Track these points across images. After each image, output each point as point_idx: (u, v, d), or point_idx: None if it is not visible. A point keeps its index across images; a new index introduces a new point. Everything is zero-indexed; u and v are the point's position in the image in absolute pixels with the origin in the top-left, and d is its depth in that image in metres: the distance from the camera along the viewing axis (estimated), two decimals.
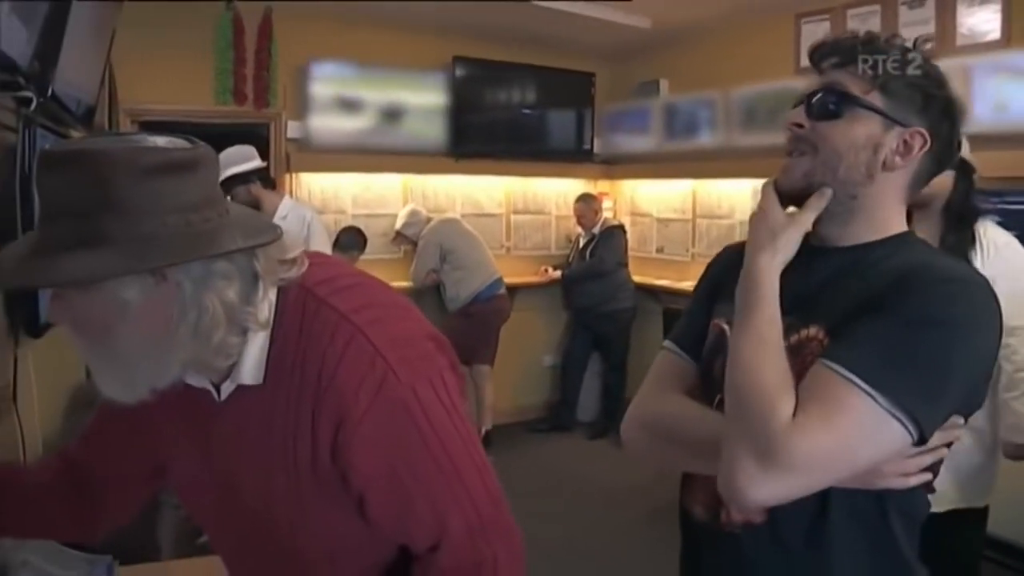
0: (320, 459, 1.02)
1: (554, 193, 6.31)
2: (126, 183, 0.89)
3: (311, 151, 5.13)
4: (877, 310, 1.03)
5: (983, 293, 1.05)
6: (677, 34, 5.35)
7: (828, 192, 1.12)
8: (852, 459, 1.00)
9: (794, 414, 0.99)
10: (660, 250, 6.07)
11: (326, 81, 5.15)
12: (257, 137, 4.79)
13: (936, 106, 1.12)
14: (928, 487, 1.13)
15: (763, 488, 0.98)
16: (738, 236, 5.37)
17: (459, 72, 5.54)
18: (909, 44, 1.15)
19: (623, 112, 6.04)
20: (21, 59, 1.91)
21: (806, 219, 1.13)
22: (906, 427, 0.98)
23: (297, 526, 1.07)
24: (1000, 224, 2.44)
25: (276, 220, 4.12)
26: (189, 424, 1.10)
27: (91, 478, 1.25)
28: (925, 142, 1.11)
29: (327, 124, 5.18)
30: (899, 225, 1.17)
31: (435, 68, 5.51)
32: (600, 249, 5.69)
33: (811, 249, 1.18)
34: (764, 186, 1.18)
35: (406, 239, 5.43)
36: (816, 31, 4.56)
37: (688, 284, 5.57)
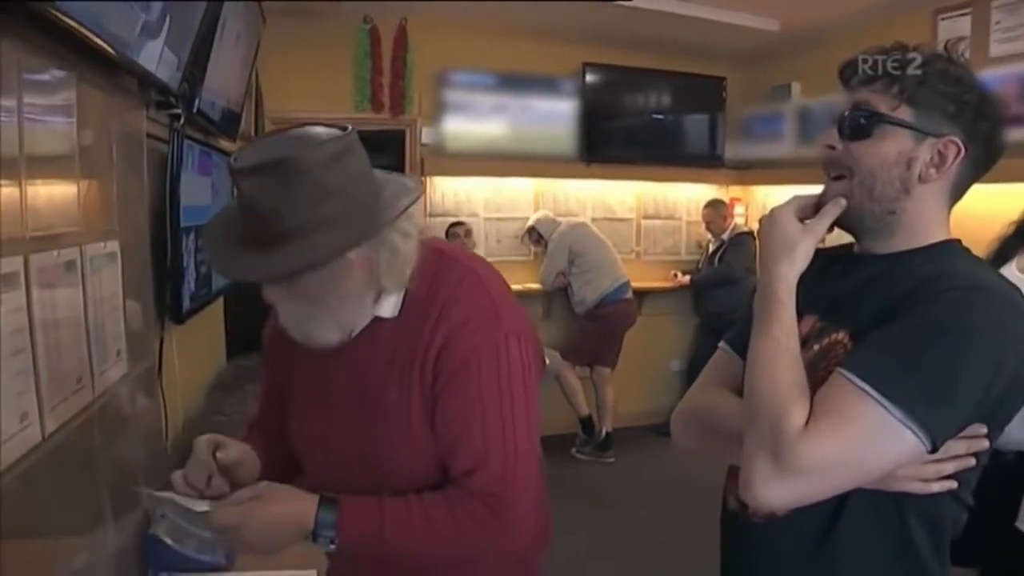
0: (426, 371, 1.23)
1: (685, 198, 6.30)
2: (329, 173, 1.11)
3: (444, 156, 5.36)
4: (894, 317, 1.05)
5: (1003, 302, 1.04)
6: (807, 36, 5.22)
7: (842, 202, 1.16)
8: (861, 467, 1.02)
9: (808, 418, 1.01)
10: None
11: (459, 88, 5.37)
12: (393, 142, 5.06)
13: (968, 111, 1.12)
14: (959, 497, 1.13)
15: (774, 490, 1.01)
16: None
17: (589, 78, 5.64)
18: (939, 51, 1.16)
19: (755, 116, 5.96)
20: (172, 82, 2.19)
21: (820, 228, 1.17)
22: (917, 436, 0.98)
23: (393, 439, 1.27)
24: None
25: None
26: (319, 357, 1.29)
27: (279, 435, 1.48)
28: (960, 150, 1.12)
29: (460, 130, 5.40)
30: (941, 233, 1.17)
31: (566, 74, 5.63)
32: (729, 255, 5.66)
33: (852, 256, 1.24)
34: (788, 201, 1.22)
35: (538, 235, 5.54)
36: (955, 27, 4.37)
37: None
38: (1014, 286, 1.09)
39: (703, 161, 6.15)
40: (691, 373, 5.98)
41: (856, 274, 1.20)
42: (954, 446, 1.07)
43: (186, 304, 2.49)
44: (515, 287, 5.53)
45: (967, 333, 1.01)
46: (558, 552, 4.09)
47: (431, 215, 5.43)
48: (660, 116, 6.01)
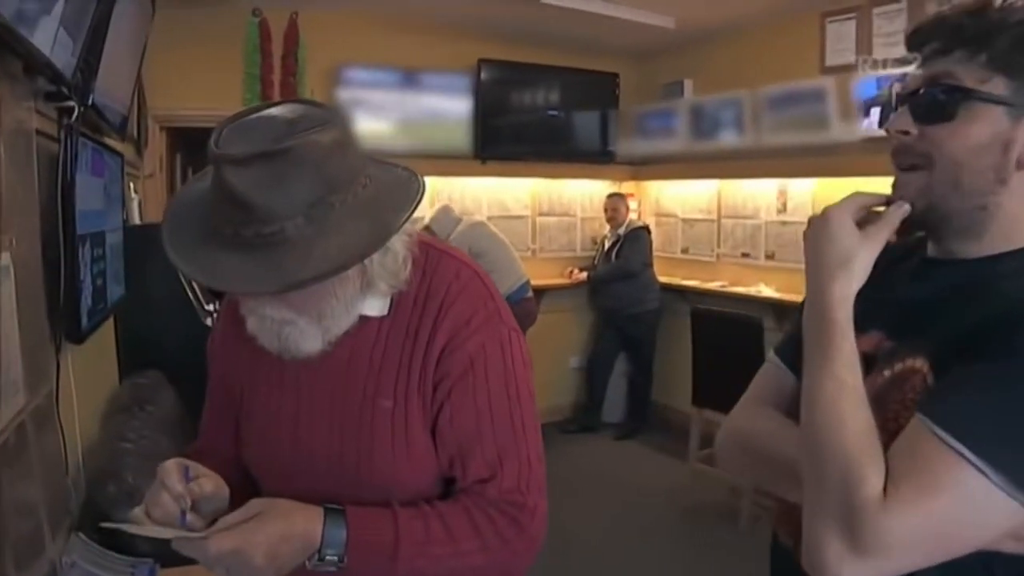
0: (426, 378, 1.13)
1: (580, 195, 6.33)
2: (334, 163, 0.98)
3: None
4: (989, 350, 0.84)
5: None
6: (701, 34, 5.34)
7: (906, 207, 0.96)
8: (955, 542, 0.83)
9: (887, 482, 0.83)
10: (686, 250, 6.06)
11: (353, 85, 5.18)
12: None
13: None
14: None
15: (852, 571, 0.83)
16: (764, 236, 5.39)
17: (485, 74, 5.57)
18: None
19: (648, 113, 6.03)
20: (67, 70, 1.94)
21: (880, 237, 0.95)
22: (1006, 487, 0.79)
23: (388, 453, 1.14)
24: None
25: None
26: (284, 364, 1.15)
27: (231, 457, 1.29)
28: None
29: (354, 127, 5.18)
30: None
31: (461, 70, 5.54)
32: (626, 250, 5.70)
33: (926, 259, 1.02)
34: (845, 200, 0.98)
35: (434, 236, 5.39)
36: (841, 30, 4.54)
37: (715, 284, 5.57)
38: None
39: (597, 157, 6.18)
40: (591, 369, 6.02)
41: (936, 281, 0.98)
42: None
43: (84, 321, 2.23)
44: None
45: None
46: None
47: None
48: (554, 112, 6.00)
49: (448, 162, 5.56)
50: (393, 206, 1.05)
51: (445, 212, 5.35)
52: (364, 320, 1.14)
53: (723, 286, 5.53)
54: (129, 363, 3.12)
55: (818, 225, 0.97)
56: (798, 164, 4.80)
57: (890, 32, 4.33)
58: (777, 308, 5.01)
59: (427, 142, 5.44)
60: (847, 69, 4.48)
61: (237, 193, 0.95)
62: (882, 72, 4.24)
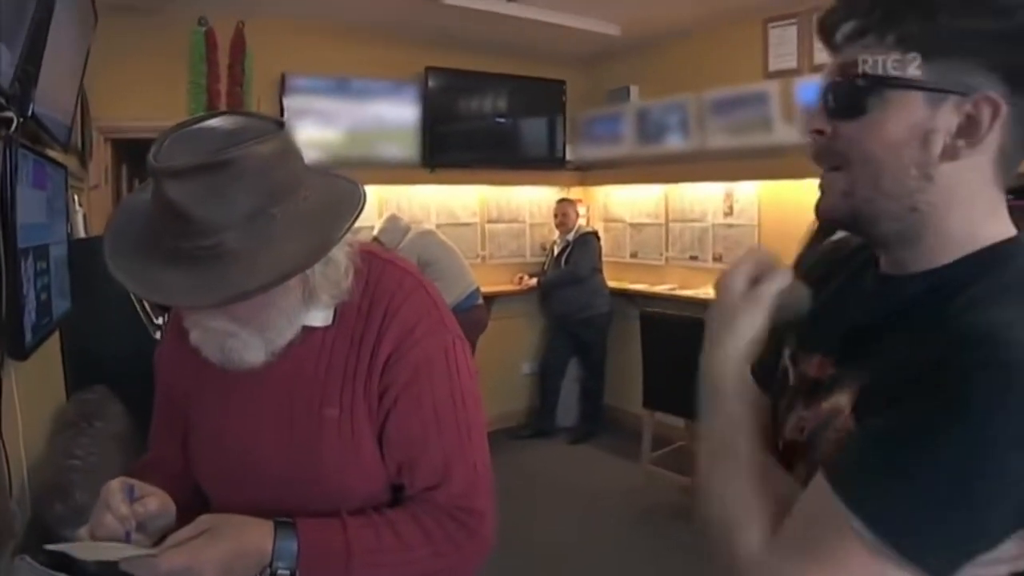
0: (371, 387, 1.13)
1: (528, 201, 6.35)
2: (275, 175, 0.97)
3: None
4: (911, 398, 0.73)
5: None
6: (646, 40, 5.42)
7: (787, 275, 0.90)
8: None
9: (777, 535, 0.79)
10: (634, 255, 6.13)
11: (300, 94, 5.13)
12: None
13: (1007, 48, 0.77)
14: None
15: None
16: (711, 239, 5.48)
17: (432, 82, 5.55)
18: None
19: (595, 118, 6.08)
20: (3, 80, 1.90)
21: (766, 291, 0.89)
22: (920, 568, 0.70)
23: (335, 462, 1.14)
24: None
25: None
26: (230, 376, 1.13)
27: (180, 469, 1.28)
28: (997, 107, 0.78)
29: (301, 137, 5.06)
30: (993, 228, 0.83)
31: (408, 79, 5.52)
32: (575, 255, 5.73)
33: (879, 276, 0.91)
34: (741, 259, 0.93)
35: (383, 247, 5.38)
36: (784, 35, 4.65)
37: (663, 287, 5.64)
38: None
39: (544, 163, 6.21)
40: (543, 374, 6.05)
41: (879, 302, 0.88)
42: (1006, 547, 0.73)
43: (28, 337, 2.18)
44: None
45: (991, 441, 0.69)
46: None
47: None
48: (502, 119, 6.01)
49: (396, 171, 5.54)
50: (334, 217, 1.05)
51: (393, 221, 5.33)
52: (309, 331, 1.14)
53: (672, 289, 5.61)
54: (76, 378, 3.05)
55: (715, 285, 0.93)
56: (743, 167, 4.89)
57: None
58: None
59: (374, 151, 5.42)
60: (790, 73, 4.58)
61: (176, 205, 0.94)
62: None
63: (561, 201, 6.03)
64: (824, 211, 0.88)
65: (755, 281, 0.90)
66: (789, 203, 4.80)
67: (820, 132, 0.86)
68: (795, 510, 0.78)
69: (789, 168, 4.50)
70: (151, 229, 0.99)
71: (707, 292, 5.30)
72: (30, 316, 2.21)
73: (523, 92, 6.03)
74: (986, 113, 0.78)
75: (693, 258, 5.61)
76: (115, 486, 1.06)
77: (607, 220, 6.37)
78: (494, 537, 1.19)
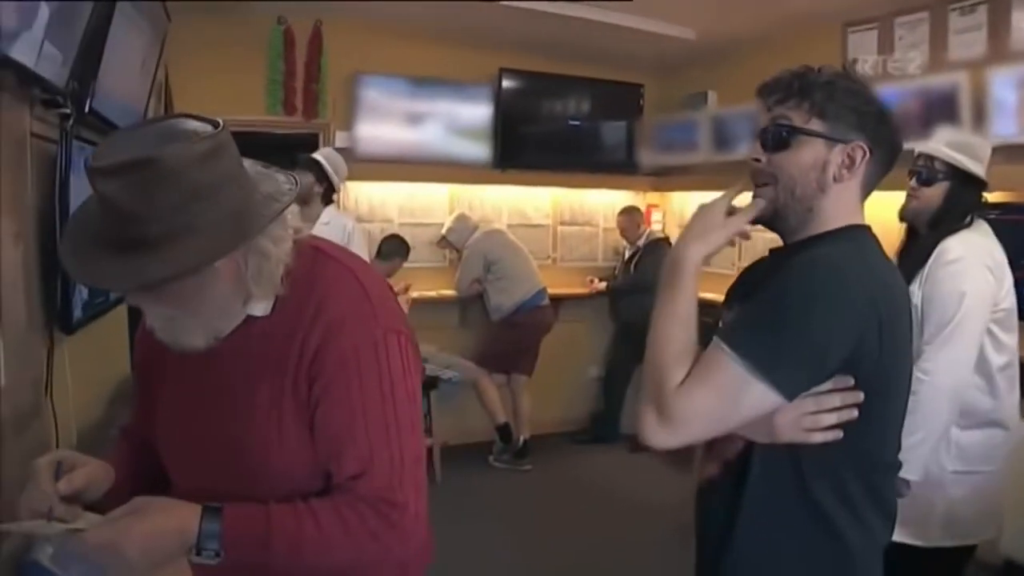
0: (301, 376, 1.19)
1: (602, 205, 6.32)
2: (198, 174, 1.05)
3: (358, 160, 5.20)
4: (763, 289, 1.26)
5: (839, 275, 1.22)
6: (724, 46, 5.32)
7: (761, 202, 1.36)
8: (724, 415, 1.22)
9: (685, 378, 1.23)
10: (706, 263, 5.98)
11: (374, 92, 5.26)
12: (307, 147, 4.93)
13: (870, 119, 1.32)
14: (867, 452, 1.29)
15: (657, 437, 1.23)
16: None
17: (506, 84, 5.61)
18: (841, 69, 1.36)
19: (671, 124, 6.01)
20: (57, 80, 2.06)
21: (738, 222, 1.34)
22: (767, 386, 1.18)
23: (263, 442, 1.20)
24: None
25: (318, 226, 4.27)
26: (188, 357, 1.22)
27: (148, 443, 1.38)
28: (865, 152, 1.31)
29: (374, 134, 5.28)
30: (852, 219, 1.34)
31: (482, 80, 5.59)
32: (644, 262, 5.69)
33: (774, 251, 1.44)
34: (722, 195, 1.38)
35: (451, 245, 5.49)
36: (863, 40, 4.51)
37: None
38: (876, 266, 1.30)
39: (619, 168, 6.17)
40: (608, 380, 6.01)
41: (773, 262, 1.40)
42: (829, 399, 1.23)
43: (77, 314, 2.34)
44: (430, 294, 5.55)
45: (801, 300, 1.20)
46: (474, 560, 4.07)
47: None
48: (577, 122, 6.02)
49: (467, 170, 5.62)
50: (259, 212, 1.12)
51: (462, 221, 5.42)
52: (251, 319, 1.22)
53: None
54: None
55: (699, 208, 1.38)
56: None
57: (912, 42, 4.29)
58: None
59: (446, 150, 5.51)
60: (869, 80, 4.42)
61: (106, 199, 1.04)
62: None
63: (623, 212, 5.97)
64: (904, 214, 1.92)
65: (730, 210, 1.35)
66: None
67: (758, 160, 1.35)
68: (698, 360, 1.24)
69: None
70: (99, 221, 1.08)
71: None
72: (81, 295, 2.37)
73: (598, 95, 6.03)
74: (859, 154, 1.31)
75: None
76: (42, 464, 1.19)
77: (683, 226, 6.25)
78: (422, 531, 1.22)
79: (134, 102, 3.07)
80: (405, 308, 4.99)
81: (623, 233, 5.92)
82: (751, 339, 1.21)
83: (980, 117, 3.75)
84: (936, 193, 2.42)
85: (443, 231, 5.46)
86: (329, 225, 4.39)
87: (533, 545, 4.17)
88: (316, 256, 1.26)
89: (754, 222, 1.36)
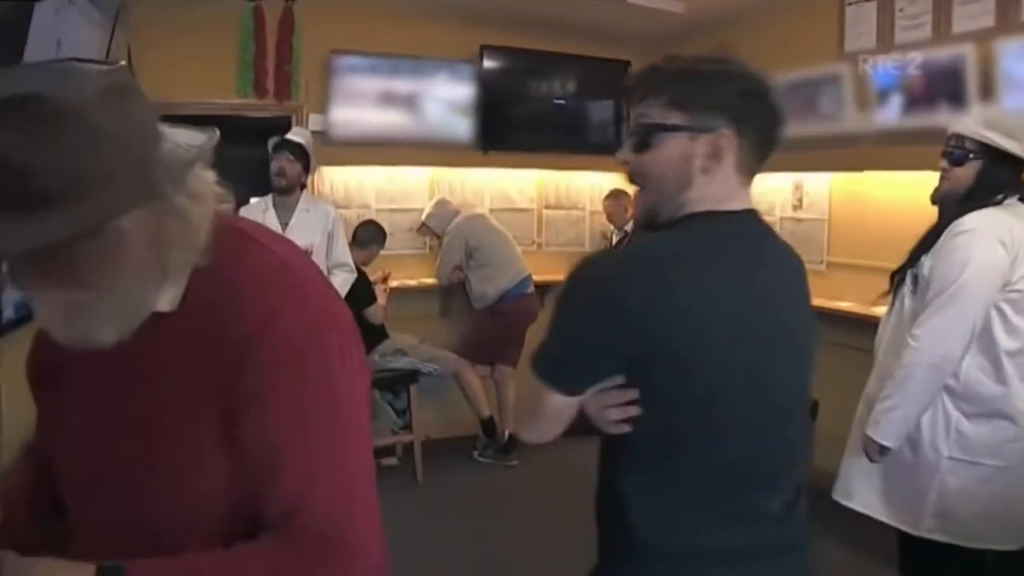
0: (223, 385, 0.95)
1: (589, 187, 6.11)
2: (98, 115, 0.86)
3: (333, 144, 5.03)
4: None
5: (594, 279, 1.23)
6: (713, 19, 5.09)
7: None
8: (537, 414, 1.31)
9: None
10: None
11: (349, 72, 5.04)
12: (279, 130, 4.74)
13: (733, 102, 1.25)
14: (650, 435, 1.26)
15: (523, 436, 1.39)
16: (779, 232, 5.11)
17: (487, 62, 5.39)
18: (702, 55, 1.31)
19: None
20: None
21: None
22: (549, 388, 1.25)
23: (177, 476, 0.97)
24: None
25: (298, 212, 4.06)
26: (84, 369, 1.02)
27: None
28: (731, 139, 1.26)
29: (350, 117, 5.07)
30: (731, 205, 1.29)
31: (462, 58, 5.38)
32: None
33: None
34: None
35: (431, 231, 5.31)
36: (861, 13, 4.30)
37: None
38: (688, 260, 1.23)
39: (607, 149, 5.92)
40: None
41: None
42: (611, 395, 1.24)
43: (8, 314, 2.15)
44: (409, 283, 5.34)
45: (564, 306, 1.26)
46: (458, 559, 3.90)
47: None
48: (562, 101, 5.80)
49: (448, 153, 5.41)
50: (173, 160, 0.93)
51: (442, 206, 5.24)
52: (159, 317, 0.98)
53: None
54: None
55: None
56: (814, 157, 4.54)
57: (914, 14, 4.08)
58: None
59: (426, 132, 5.30)
60: (867, 53, 4.22)
61: None
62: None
63: (609, 196, 5.75)
64: (935, 196, 1.67)
65: None
66: (863, 197, 4.46)
67: (626, 162, 1.33)
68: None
69: (863, 159, 4.19)
70: None
71: None
72: (11, 295, 2.18)
73: (585, 73, 5.80)
74: (725, 143, 1.25)
75: None
76: None
77: None
78: (382, 570, 0.99)
79: None
80: (383, 298, 4.81)
81: (610, 217, 5.71)
82: (545, 359, 1.27)
83: (988, 91, 3.56)
84: (967, 173, 2.32)
85: (423, 217, 5.28)
86: (309, 212, 4.20)
87: (519, 543, 4.02)
88: (236, 237, 1.03)
89: (638, 228, 1.39)
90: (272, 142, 4.22)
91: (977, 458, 2.29)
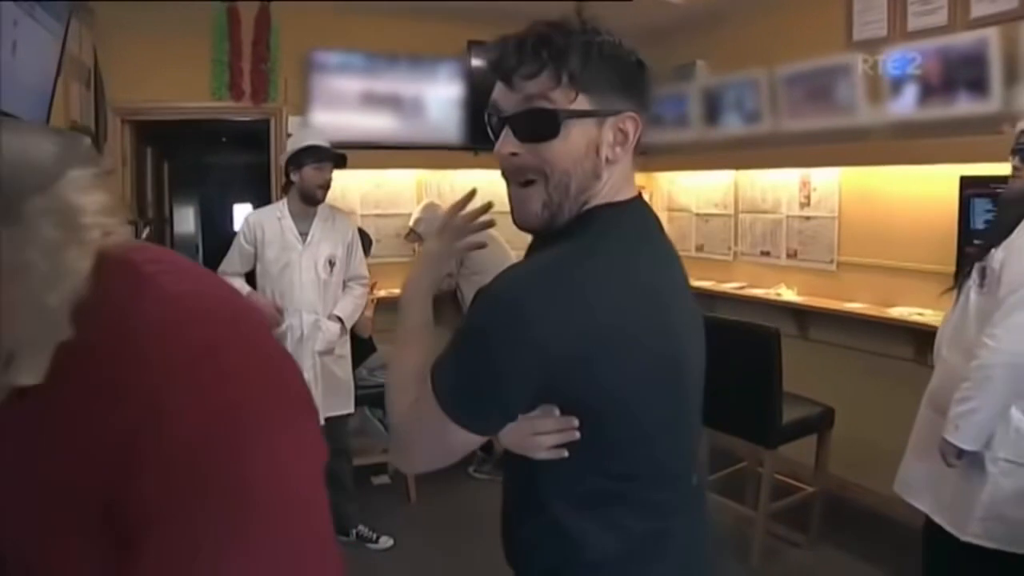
0: (103, 486, 0.66)
1: None
2: None
3: None
4: None
5: (516, 310, 1.03)
6: (713, 10, 4.86)
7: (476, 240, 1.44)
8: (435, 448, 1.14)
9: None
10: (700, 248, 5.58)
11: (331, 72, 4.84)
12: (256, 133, 4.52)
13: (634, 79, 1.13)
14: (590, 465, 1.13)
15: (398, 464, 1.40)
16: (785, 232, 4.93)
17: (476, 59, 5.16)
18: (579, 21, 1.12)
19: (658, 98, 5.53)
20: None
21: (458, 251, 1.42)
22: (458, 423, 1.07)
23: None
24: None
25: (317, 221, 3.76)
26: None
27: None
28: (636, 121, 1.13)
29: (332, 118, 4.84)
30: (623, 195, 1.17)
31: (449, 55, 5.16)
32: None
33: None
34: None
35: (420, 238, 5.06)
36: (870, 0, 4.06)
37: (731, 285, 5.12)
38: (598, 270, 1.08)
39: None
40: None
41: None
42: (543, 423, 1.09)
43: None
44: (397, 292, 5.09)
45: (480, 333, 1.07)
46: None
47: None
48: None
49: (436, 155, 5.21)
50: (35, 176, 0.68)
51: (431, 211, 4.98)
52: (14, 396, 0.68)
53: (740, 287, 5.07)
54: None
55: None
56: (822, 151, 4.31)
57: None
58: (799, 314, 4.56)
59: (412, 133, 5.10)
60: (877, 43, 3.99)
61: None
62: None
63: None
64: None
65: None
66: (875, 193, 4.24)
67: (515, 154, 1.13)
68: (421, 390, 1.11)
69: (875, 152, 3.96)
70: None
71: (779, 292, 4.76)
72: None
73: None
74: (631, 126, 1.14)
75: (765, 253, 5.05)
76: None
77: (671, 209, 5.84)
78: None
79: (31, 97, 2.62)
80: (370, 309, 4.58)
81: None
82: (443, 380, 1.08)
83: (1013, 78, 3.33)
84: None
85: (411, 222, 5.05)
86: (329, 223, 3.89)
87: None
88: (124, 276, 0.74)
89: (533, 232, 1.20)
90: (294, 148, 3.79)
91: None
